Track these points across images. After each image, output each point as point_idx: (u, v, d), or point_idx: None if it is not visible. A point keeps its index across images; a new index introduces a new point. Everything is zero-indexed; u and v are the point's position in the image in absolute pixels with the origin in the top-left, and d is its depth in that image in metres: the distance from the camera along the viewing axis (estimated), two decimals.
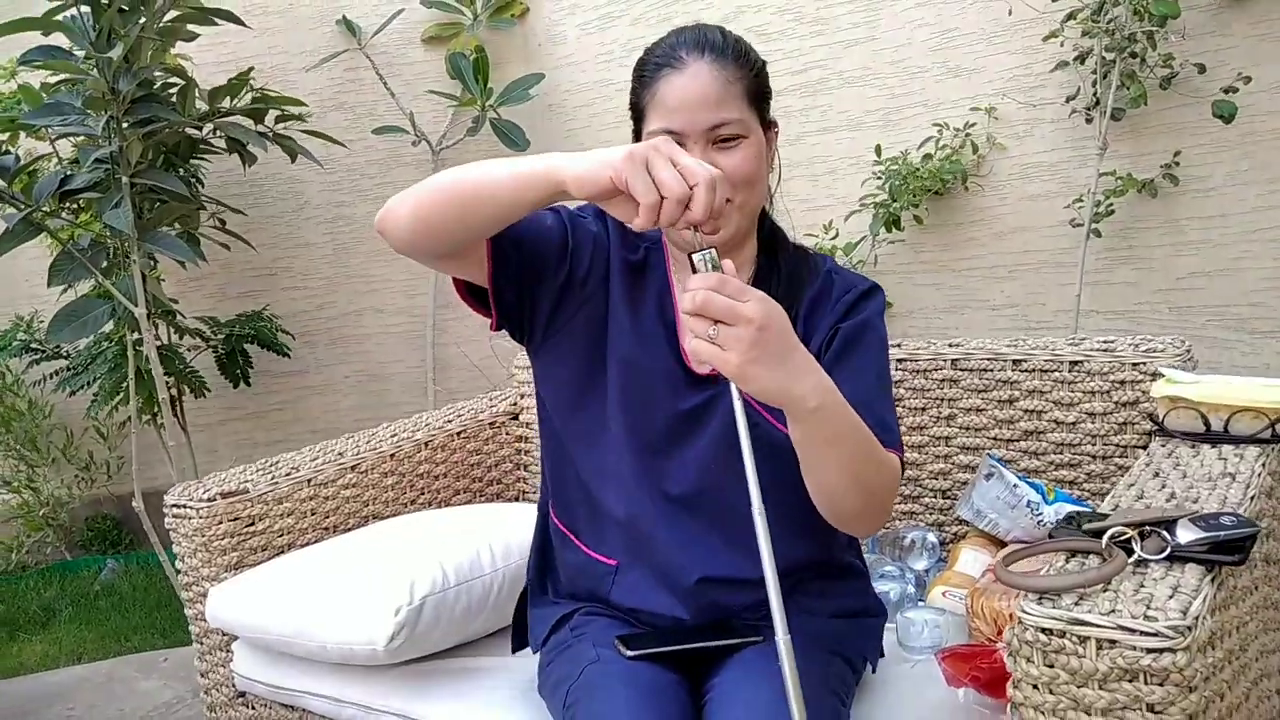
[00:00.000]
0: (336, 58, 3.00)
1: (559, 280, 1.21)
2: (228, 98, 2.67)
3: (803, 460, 1.06)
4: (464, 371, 3.24)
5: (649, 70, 1.16)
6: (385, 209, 1.13)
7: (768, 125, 1.20)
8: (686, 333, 0.95)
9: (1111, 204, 2.19)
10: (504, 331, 1.26)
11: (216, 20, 2.48)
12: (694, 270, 0.96)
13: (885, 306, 1.25)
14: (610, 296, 1.23)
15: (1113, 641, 0.86)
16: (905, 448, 1.29)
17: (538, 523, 1.38)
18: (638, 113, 1.20)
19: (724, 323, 0.92)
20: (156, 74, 2.56)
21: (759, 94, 1.17)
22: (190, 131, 2.71)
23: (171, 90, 2.61)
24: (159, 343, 2.76)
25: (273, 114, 2.79)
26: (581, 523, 1.28)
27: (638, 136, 1.20)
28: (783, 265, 1.23)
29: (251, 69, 2.72)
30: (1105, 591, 0.91)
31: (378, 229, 1.15)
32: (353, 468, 1.78)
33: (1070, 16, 2.13)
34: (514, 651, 1.42)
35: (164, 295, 2.83)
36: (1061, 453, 1.54)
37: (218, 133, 2.71)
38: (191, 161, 2.85)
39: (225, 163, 2.98)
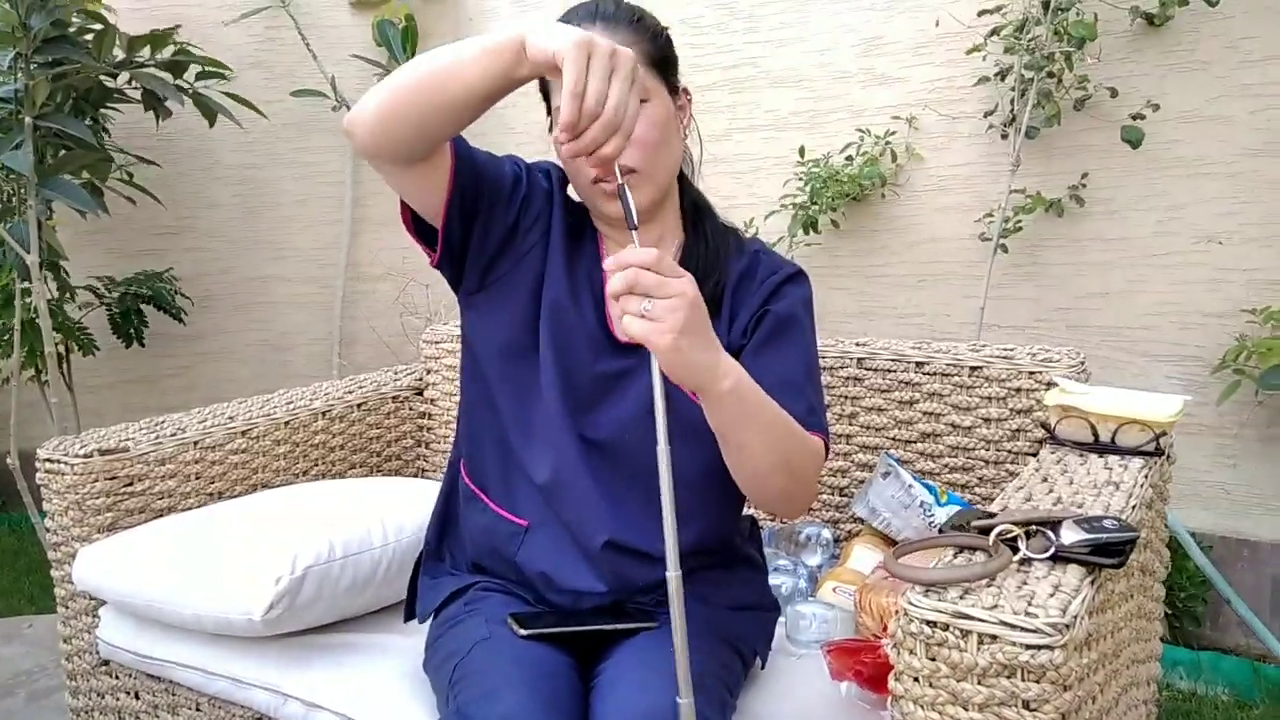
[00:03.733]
0: (259, 13, 2.89)
1: (508, 221, 1.20)
2: (148, 47, 2.55)
3: (724, 443, 1.07)
4: (371, 347, 3.16)
5: None
6: (356, 105, 1.08)
7: (676, 91, 1.20)
8: (612, 304, 0.94)
9: (1020, 221, 2.25)
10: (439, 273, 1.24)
11: None
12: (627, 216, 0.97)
13: (812, 294, 1.26)
14: (549, 251, 1.22)
15: (993, 636, 0.87)
16: None
17: (443, 487, 1.36)
18: (544, 92, 1.20)
19: (655, 297, 0.92)
20: (74, 17, 2.44)
21: (661, 60, 1.17)
22: (104, 79, 2.58)
23: (88, 35, 2.49)
24: (50, 296, 2.62)
25: (193, 70, 2.68)
26: (494, 481, 1.25)
27: (550, 113, 1.21)
28: (710, 237, 1.23)
29: (178, 26, 2.61)
30: (989, 587, 0.92)
31: (345, 128, 1.09)
32: (243, 433, 1.72)
33: (994, 32, 2.18)
34: (405, 621, 1.38)
35: (60, 246, 2.69)
36: (956, 456, 1.57)
37: (133, 83, 2.60)
38: (101, 111, 2.72)
39: (133, 114, 2.85)
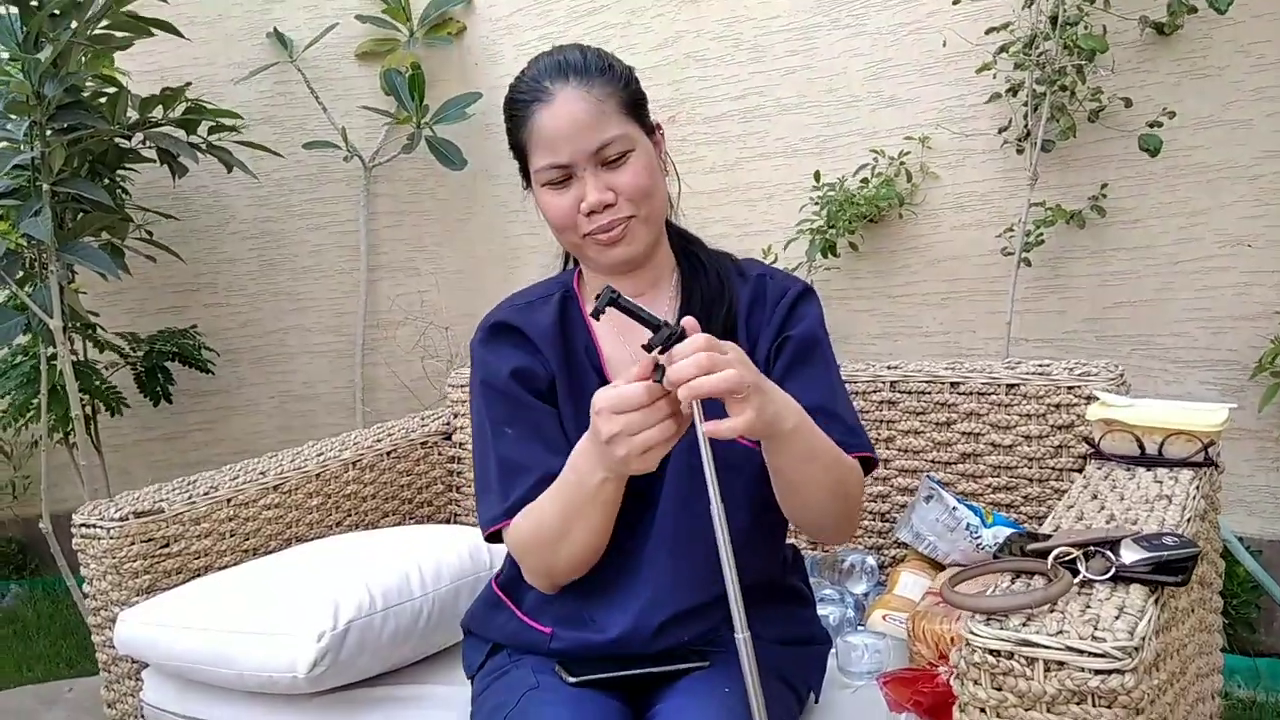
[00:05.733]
0: (267, 70, 2.92)
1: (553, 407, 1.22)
2: (160, 107, 2.58)
3: (785, 482, 1.07)
4: (394, 393, 3.16)
5: (519, 108, 1.15)
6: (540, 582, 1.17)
7: (651, 130, 1.19)
8: (687, 406, 0.95)
9: (1041, 234, 2.23)
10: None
11: (153, 30, 2.40)
12: (644, 319, 0.98)
13: (823, 308, 1.25)
14: (558, 393, 1.21)
15: (1061, 663, 0.85)
16: None
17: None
18: (519, 151, 1.19)
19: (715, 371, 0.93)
20: (88, 82, 2.47)
21: (634, 104, 1.16)
22: (119, 141, 2.61)
23: (101, 99, 2.52)
24: (75, 358, 2.64)
25: (205, 125, 2.71)
26: (524, 584, 1.24)
27: (525, 175, 1.19)
28: (708, 271, 1.22)
29: (189, 83, 2.65)
30: (1052, 612, 0.90)
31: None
32: (275, 487, 1.71)
33: (1002, 50, 2.17)
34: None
35: (82, 308, 2.71)
36: (999, 475, 1.54)
37: (147, 143, 2.62)
38: (118, 172, 2.75)
39: (149, 175, 2.88)
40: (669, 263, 1.24)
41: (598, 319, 0.99)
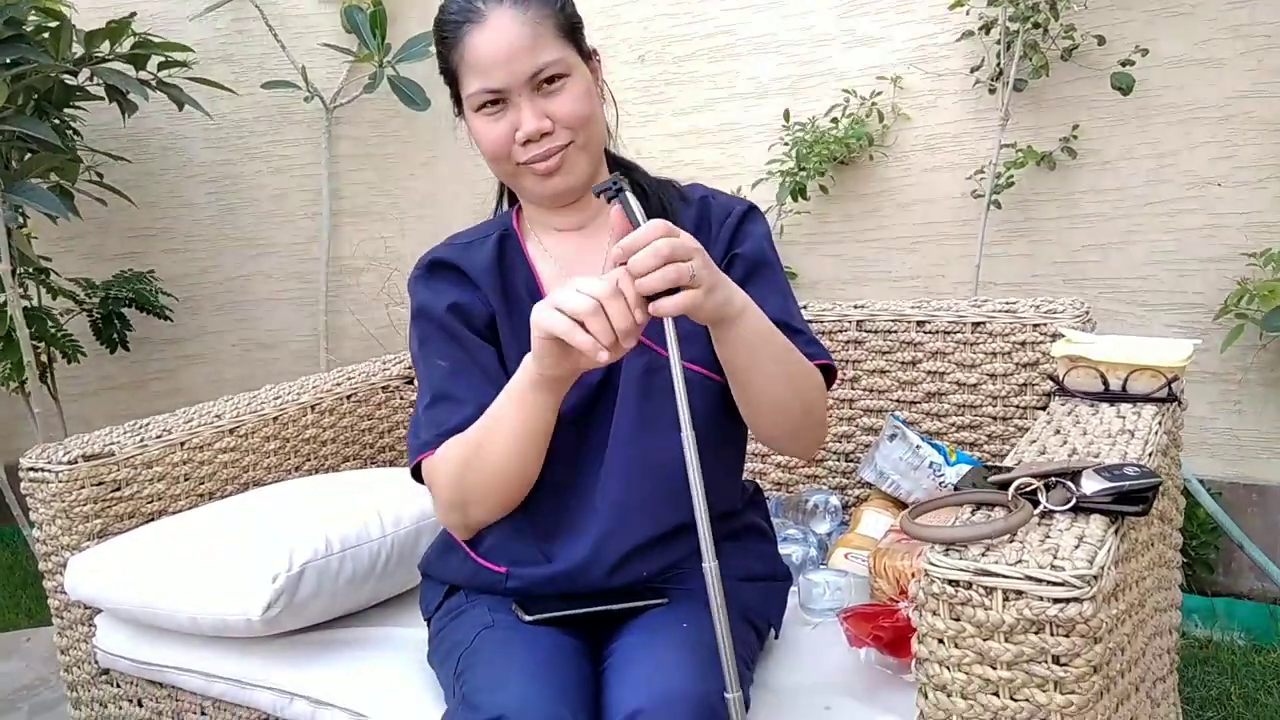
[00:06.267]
0: (223, 6, 2.83)
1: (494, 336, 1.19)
2: (106, 42, 2.49)
3: (738, 377, 1.04)
4: (359, 341, 3.11)
5: (449, 30, 1.10)
6: (443, 513, 1.15)
7: (588, 56, 1.15)
8: (628, 289, 0.91)
9: (1011, 176, 2.21)
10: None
11: None
12: (634, 223, 0.94)
13: (769, 226, 1.24)
14: (500, 330, 1.18)
15: (1019, 592, 0.84)
16: None
17: None
18: (451, 77, 1.14)
19: (679, 261, 0.91)
20: (30, 15, 2.37)
21: (570, 27, 1.12)
22: (65, 78, 2.52)
23: (44, 34, 2.42)
24: (27, 304, 2.57)
25: (155, 62, 2.62)
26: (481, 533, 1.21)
27: (458, 101, 1.15)
28: (649, 198, 1.18)
29: (134, 14, 2.55)
30: (1012, 542, 0.89)
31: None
32: (231, 431, 1.68)
33: None
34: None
35: (32, 253, 2.63)
36: (963, 414, 1.53)
37: (95, 80, 2.53)
38: (66, 111, 2.66)
39: (102, 115, 2.79)
40: None
41: (597, 196, 0.96)
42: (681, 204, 1.20)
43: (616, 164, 1.23)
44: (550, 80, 1.09)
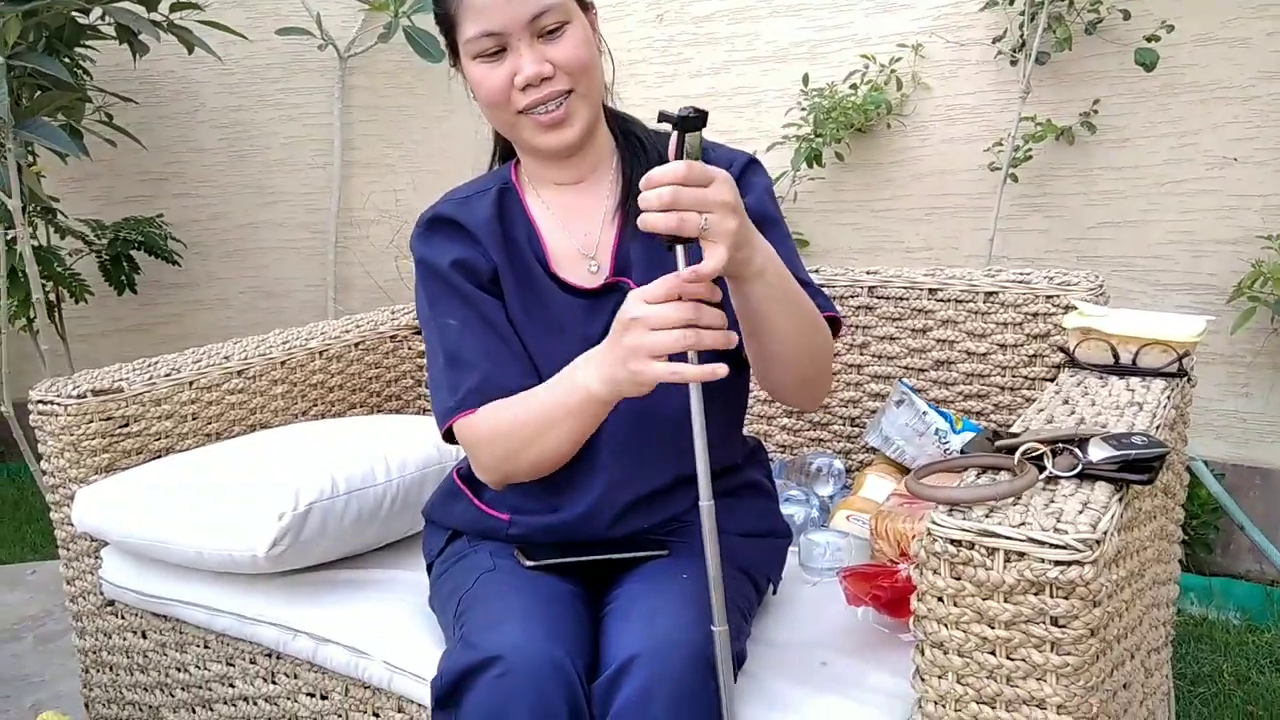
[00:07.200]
0: None
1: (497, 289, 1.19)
2: None
3: (752, 326, 1.04)
4: (367, 293, 3.12)
5: None
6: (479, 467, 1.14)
7: (587, 7, 1.14)
8: (659, 224, 0.90)
9: (1030, 150, 2.20)
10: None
11: None
12: (675, 156, 0.91)
13: (771, 179, 1.23)
14: (503, 284, 1.17)
15: (1021, 554, 0.84)
16: None
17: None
18: (447, 24, 1.12)
19: (698, 211, 0.89)
20: None
21: None
22: (76, 15, 2.50)
23: None
24: (35, 243, 2.57)
25: (167, 3, 2.60)
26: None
27: (453, 49, 1.14)
28: (648, 151, 1.18)
29: None
30: (1016, 505, 0.90)
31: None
32: (239, 373, 1.68)
33: None
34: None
35: (42, 192, 2.63)
36: (971, 383, 1.53)
37: (106, 19, 2.52)
38: (77, 50, 2.64)
39: (114, 56, 2.77)
40: (609, 145, 1.21)
41: (665, 119, 0.92)
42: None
43: (615, 118, 1.22)
44: (551, 25, 1.08)
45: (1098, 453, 0.95)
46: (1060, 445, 0.97)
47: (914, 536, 1.23)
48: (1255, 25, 2.02)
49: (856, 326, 1.62)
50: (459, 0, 1.08)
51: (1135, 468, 0.95)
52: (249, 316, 3.17)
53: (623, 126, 1.21)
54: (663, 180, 0.90)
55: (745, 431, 1.33)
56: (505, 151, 1.27)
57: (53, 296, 2.76)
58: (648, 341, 0.93)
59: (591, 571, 1.13)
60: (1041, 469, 0.95)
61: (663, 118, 0.93)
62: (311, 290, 3.15)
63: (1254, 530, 1.99)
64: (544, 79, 1.08)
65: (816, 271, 1.66)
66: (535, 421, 1.07)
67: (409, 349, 1.98)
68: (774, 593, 1.26)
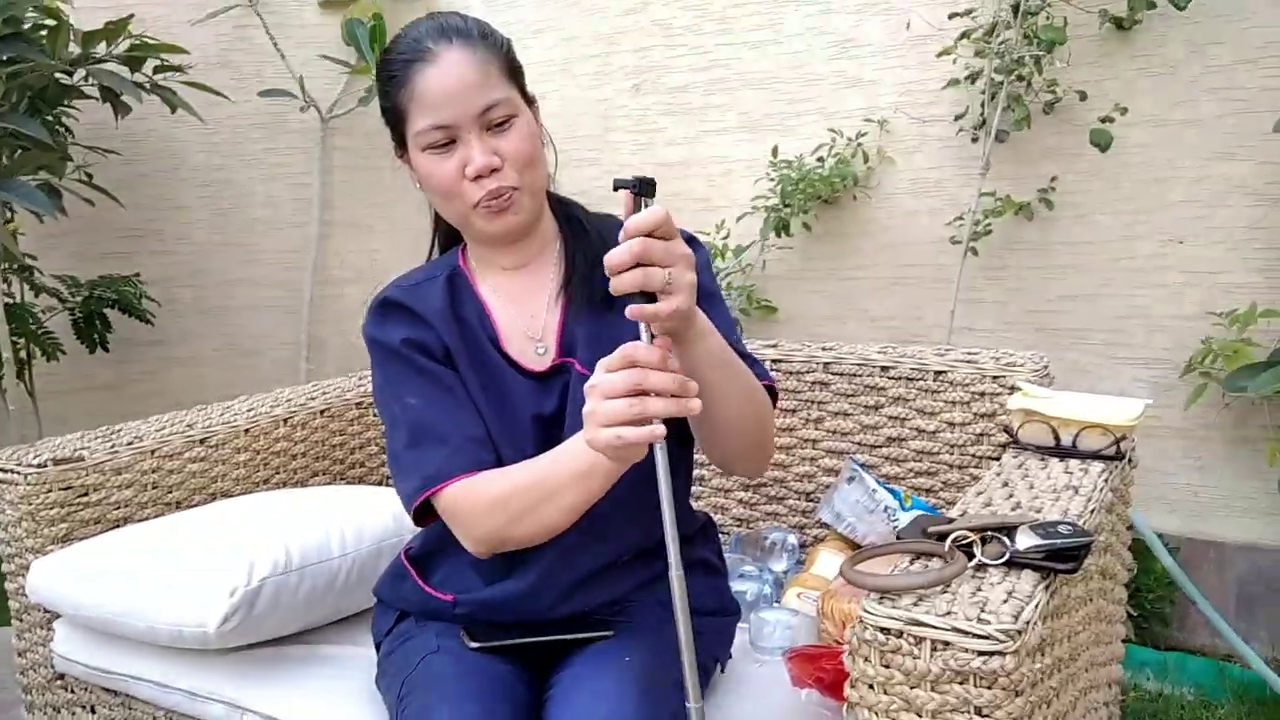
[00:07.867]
0: (226, 13, 2.86)
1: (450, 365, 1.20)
2: (103, 43, 2.52)
3: (701, 394, 1.03)
4: (340, 352, 3.13)
5: (398, 68, 1.12)
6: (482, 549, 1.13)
7: (531, 101, 1.18)
8: (616, 280, 0.93)
9: (989, 224, 2.25)
10: None
11: None
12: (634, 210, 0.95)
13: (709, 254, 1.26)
14: (459, 366, 1.19)
15: (946, 643, 0.86)
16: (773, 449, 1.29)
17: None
18: (396, 116, 1.14)
19: (659, 266, 0.93)
20: (29, 14, 2.40)
21: (514, 70, 1.16)
22: (60, 77, 2.54)
23: (42, 32, 2.45)
24: (9, 299, 2.58)
25: (151, 64, 2.65)
26: (434, 559, 1.24)
27: (400, 141, 1.16)
28: (589, 234, 1.21)
29: (131, 15, 2.58)
30: (944, 594, 0.91)
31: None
32: (201, 441, 1.69)
33: (964, 36, 2.18)
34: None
35: (17, 249, 2.65)
36: (921, 460, 1.56)
37: (90, 80, 2.56)
38: (59, 110, 2.68)
39: (96, 114, 2.81)
40: (552, 229, 1.24)
41: (621, 185, 0.96)
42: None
43: (558, 203, 1.25)
44: (499, 119, 1.11)
45: (1025, 541, 0.97)
46: (989, 533, 1.00)
47: (858, 618, 1.24)
48: (1205, 108, 2.08)
49: (812, 401, 1.64)
50: (409, 94, 1.11)
51: (1061, 556, 0.97)
52: (222, 374, 3.18)
53: (565, 211, 1.25)
54: (639, 229, 0.93)
55: (700, 506, 1.35)
56: (445, 240, 1.30)
57: (24, 354, 2.76)
58: (600, 410, 0.95)
59: (536, 653, 1.14)
60: (971, 556, 0.98)
61: (619, 185, 0.97)
62: (285, 348, 3.16)
63: (1206, 605, 2.01)
64: (493, 170, 1.11)
65: (775, 345, 1.69)
66: (535, 498, 1.07)
67: (373, 416, 1.99)
68: (721, 672, 1.26)
